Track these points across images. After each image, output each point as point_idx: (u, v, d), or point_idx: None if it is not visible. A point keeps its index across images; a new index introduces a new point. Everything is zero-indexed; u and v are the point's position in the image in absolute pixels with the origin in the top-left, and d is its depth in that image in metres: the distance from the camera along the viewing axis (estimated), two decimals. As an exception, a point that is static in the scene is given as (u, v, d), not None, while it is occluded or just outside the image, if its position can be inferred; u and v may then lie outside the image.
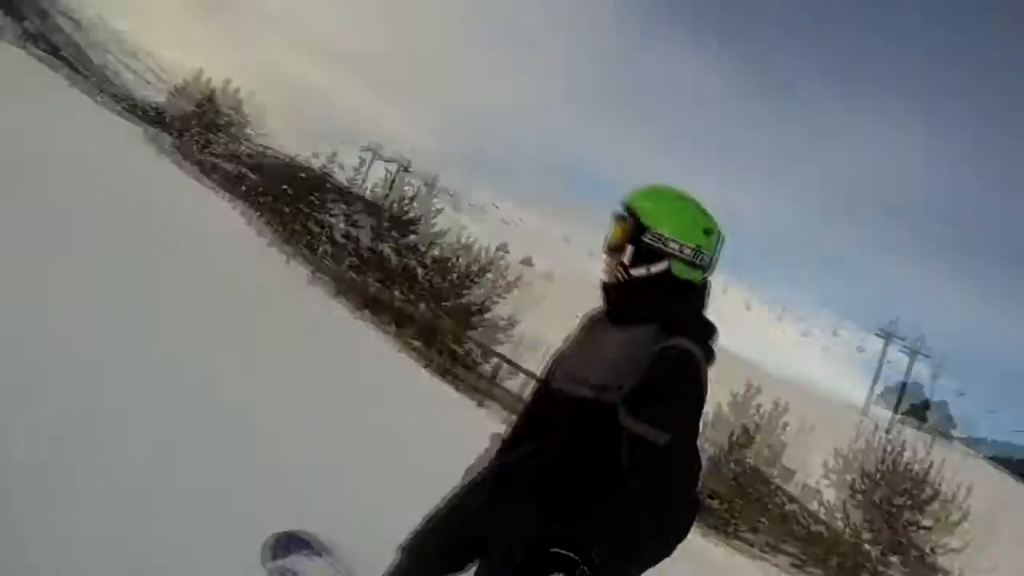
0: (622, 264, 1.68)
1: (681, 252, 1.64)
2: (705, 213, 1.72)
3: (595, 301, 1.83)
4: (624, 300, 1.72)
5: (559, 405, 1.68)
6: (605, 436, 1.51)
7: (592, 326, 1.80)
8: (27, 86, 21.22)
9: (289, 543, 2.46)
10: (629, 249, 1.68)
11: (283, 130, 43.39)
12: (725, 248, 1.75)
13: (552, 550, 1.08)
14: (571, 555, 1.06)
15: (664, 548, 1.36)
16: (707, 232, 1.69)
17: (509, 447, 1.76)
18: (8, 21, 36.59)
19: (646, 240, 1.65)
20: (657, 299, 1.66)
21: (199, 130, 30.77)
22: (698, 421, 1.49)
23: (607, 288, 1.74)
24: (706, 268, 1.71)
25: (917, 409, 56.14)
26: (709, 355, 1.61)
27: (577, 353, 1.77)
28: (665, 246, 1.64)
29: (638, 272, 1.66)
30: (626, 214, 1.71)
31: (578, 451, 1.58)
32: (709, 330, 1.68)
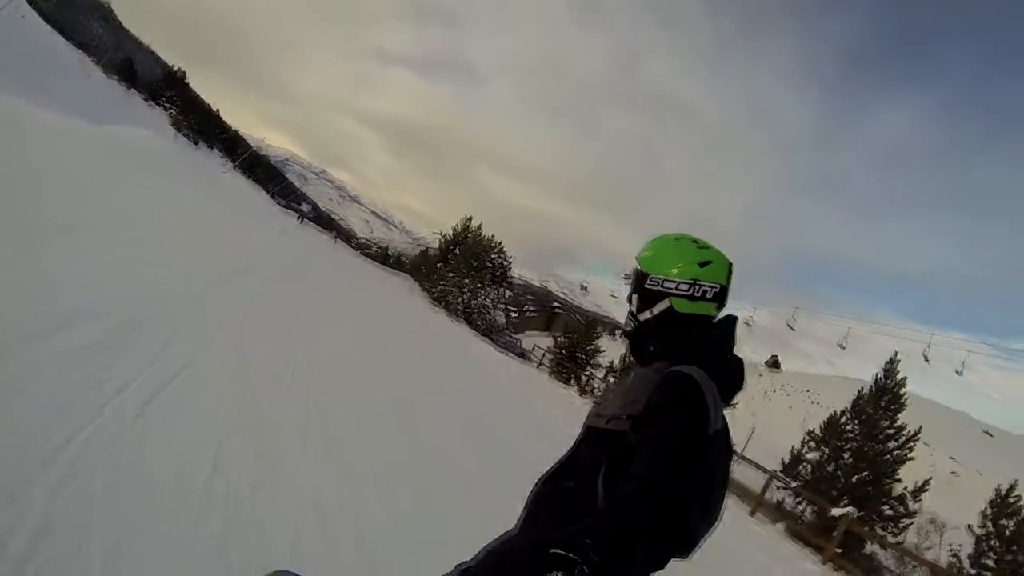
0: (631, 313, 1.94)
1: (678, 289, 1.82)
2: (703, 248, 1.88)
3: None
4: (636, 343, 1.93)
5: (584, 437, 1.82)
6: (616, 460, 1.60)
7: (628, 370, 2.25)
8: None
9: None
10: (635, 298, 1.91)
11: (522, 259, 46.40)
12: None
13: (551, 551, 1.10)
14: (570, 555, 1.09)
15: (657, 554, 1.43)
16: (703, 265, 1.83)
17: (545, 479, 1.85)
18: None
19: (647, 286, 1.87)
20: (663, 336, 1.84)
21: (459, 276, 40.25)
22: (689, 439, 1.49)
23: (625, 336, 1.99)
24: (713, 300, 1.84)
25: None
26: (728, 384, 1.71)
27: (607, 393, 2.00)
28: (662, 287, 1.84)
29: (644, 316, 1.89)
30: (635, 268, 1.95)
31: (596, 475, 1.64)
32: (724, 359, 1.78)
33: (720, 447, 1.65)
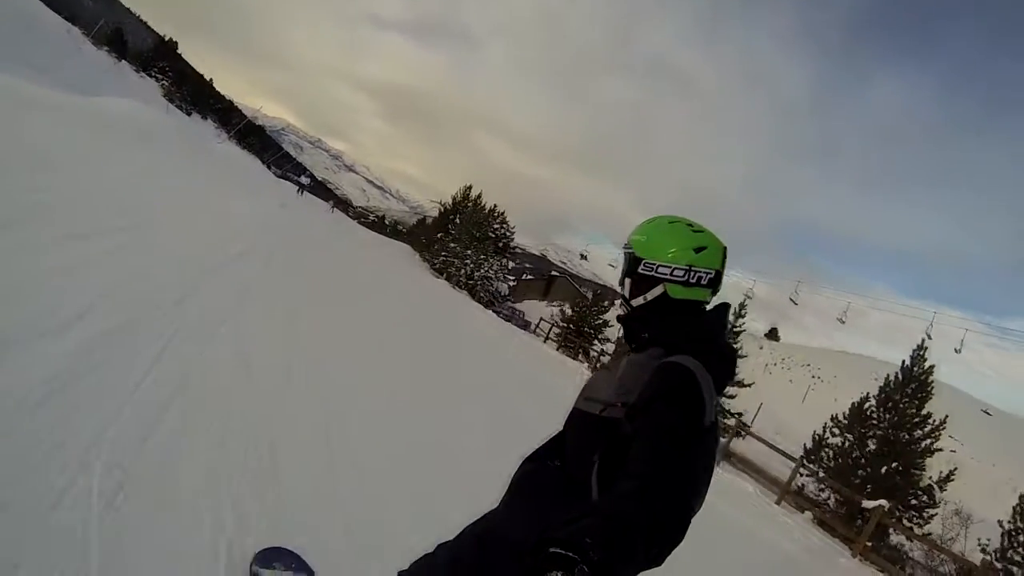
0: (624, 297, 1.93)
1: (672, 275, 1.82)
2: (698, 232, 1.85)
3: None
4: (630, 328, 1.92)
5: (572, 421, 1.84)
6: (611, 449, 1.62)
7: (620, 355, 1.93)
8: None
9: (278, 556, 2.68)
10: (627, 282, 1.91)
11: (520, 226, 47.12)
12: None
13: (551, 550, 1.07)
14: (570, 554, 1.05)
15: (657, 551, 1.36)
16: (698, 250, 1.81)
17: (530, 458, 1.92)
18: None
19: (640, 271, 1.86)
20: (656, 323, 1.83)
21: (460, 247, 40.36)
22: (686, 432, 1.47)
23: (619, 320, 1.98)
24: (708, 285, 1.84)
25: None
26: (721, 373, 1.69)
27: (597, 377, 1.94)
28: (656, 272, 1.83)
29: (637, 301, 1.88)
30: (627, 251, 1.93)
31: (586, 461, 1.67)
32: (718, 347, 1.76)
33: (712, 439, 1.63)
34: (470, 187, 53.07)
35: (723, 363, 1.73)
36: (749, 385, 28.12)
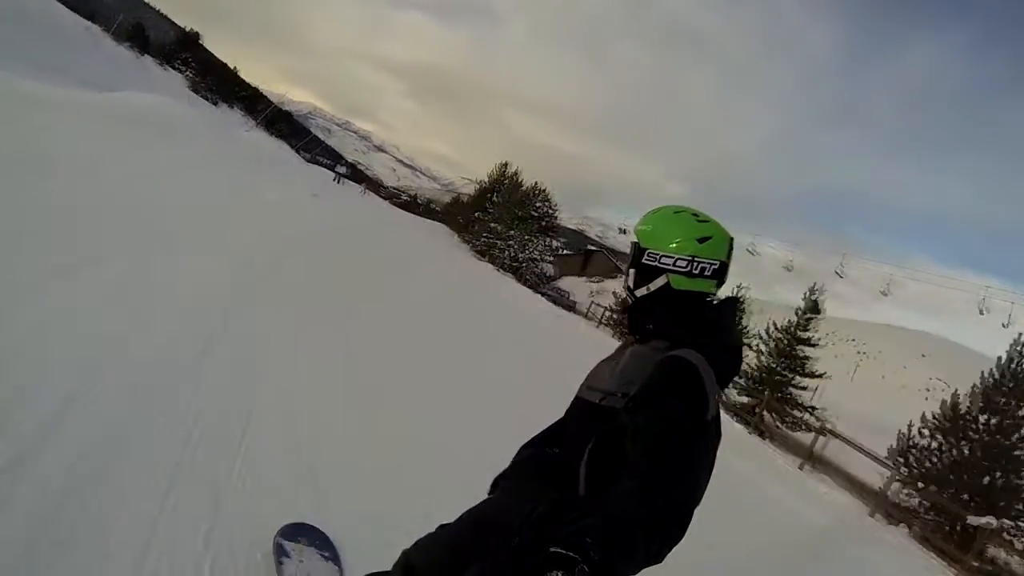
0: (628, 287, 1.94)
1: (675, 265, 1.80)
2: (703, 223, 1.83)
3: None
4: (633, 318, 1.92)
5: (574, 409, 1.88)
6: (610, 438, 1.61)
7: (624, 344, 1.97)
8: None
9: (303, 531, 2.72)
10: (632, 272, 1.91)
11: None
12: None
13: (551, 549, 1.09)
14: (570, 554, 1.07)
15: (657, 548, 1.34)
16: (702, 240, 1.80)
17: (530, 444, 2.00)
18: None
19: (644, 261, 1.86)
20: (660, 314, 1.82)
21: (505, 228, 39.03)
22: (688, 427, 1.46)
23: (623, 311, 1.54)
24: (712, 277, 1.81)
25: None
26: (725, 367, 1.69)
27: (601, 367, 1.92)
28: (659, 262, 1.82)
29: (641, 292, 1.88)
30: (633, 241, 1.94)
31: (579, 449, 1.69)
32: (723, 343, 1.73)
33: (713, 433, 1.60)
34: (506, 164, 51.23)
35: (727, 357, 1.72)
36: (821, 375, 25.93)
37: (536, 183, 42.27)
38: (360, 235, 19.46)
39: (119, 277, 5.23)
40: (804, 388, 25.26)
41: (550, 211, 41.00)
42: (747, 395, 24.83)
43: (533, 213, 39.48)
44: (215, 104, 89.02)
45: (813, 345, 25.65)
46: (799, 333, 25.55)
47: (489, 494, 1.98)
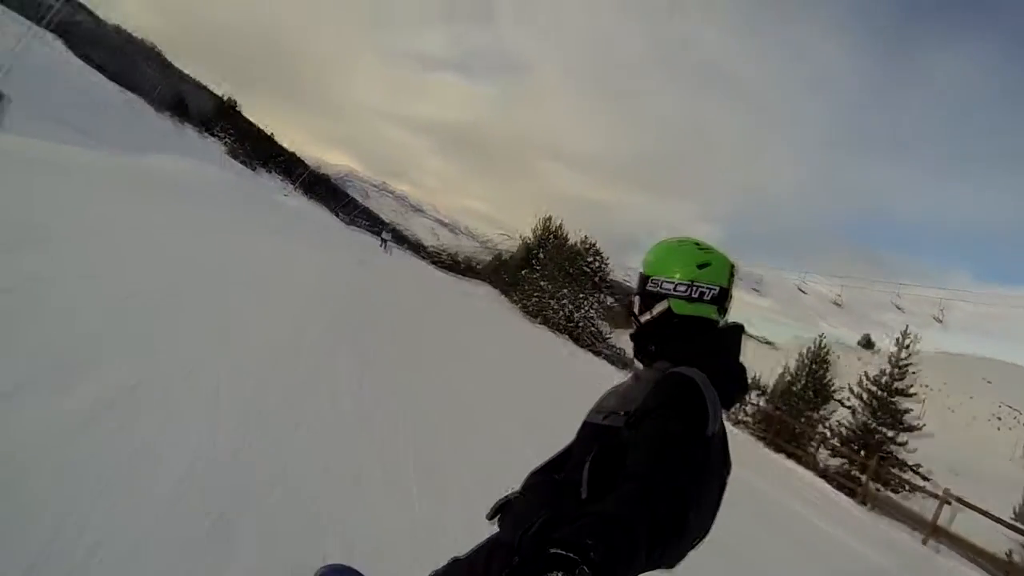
0: (633, 315, 1.98)
1: (675, 290, 1.85)
2: (703, 251, 1.89)
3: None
4: (638, 344, 1.96)
5: (579, 433, 1.86)
6: (611, 452, 1.59)
7: (634, 371, 1.98)
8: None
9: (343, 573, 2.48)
10: (636, 299, 1.96)
11: None
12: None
13: (551, 550, 1.09)
14: (570, 555, 1.07)
15: (659, 553, 1.34)
16: (701, 267, 1.84)
17: (536, 472, 1.97)
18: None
19: (647, 288, 1.91)
20: (663, 337, 1.86)
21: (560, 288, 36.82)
22: (687, 436, 1.46)
23: (630, 338, 2.02)
24: (712, 302, 1.84)
25: None
26: (728, 390, 1.68)
27: (608, 392, 1.92)
28: (661, 288, 1.87)
29: (645, 317, 1.91)
30: (639, 271, 2.01)
31: (581, 465, 1.65)
32: (726, 364, 1.75)
33: (716, 452, 1.62)
34: (549, 218, 49.65)
35: (729, 379, 1.72)
36: (920, 427, 23.13)
37: (585, 237, 40.01)
38: (413, 302, 17.47)
39: (107, 406, 3.27)
40: (904, 444, 22.69)
41: (602, 266, 38.51)
42: (843, 457, 22.36)
43: (585, 269, 37.12)
44: (253, 169, 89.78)
45: (911, 395, 23.04)
46: (896, 384, 22.86)
47: (488, 517, 1.96)
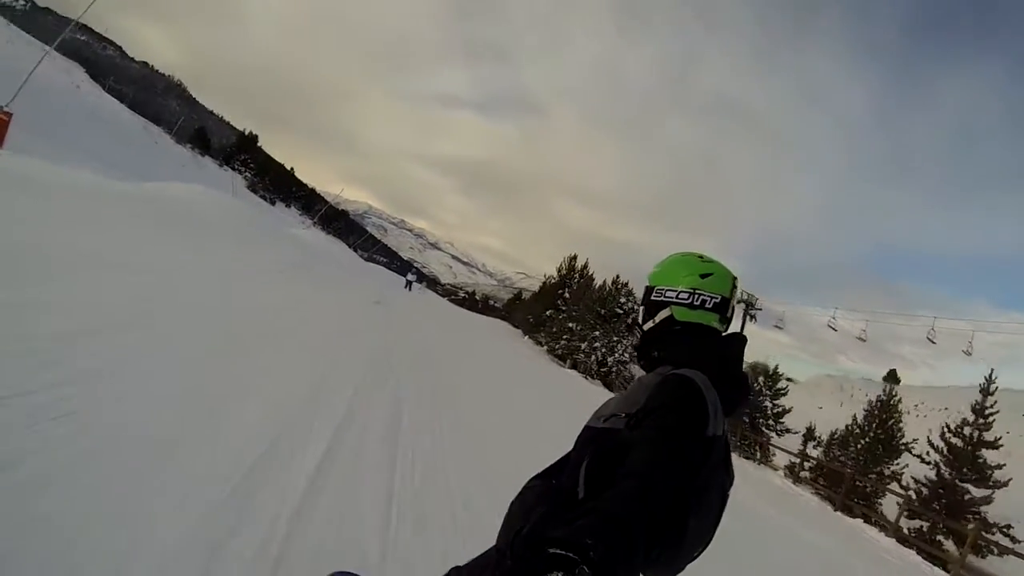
0: (638, 324, 1.98)
1: (678, 298, 1.84)
2: (707, 262, 1.89)
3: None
4: (641, 351, 1.93)
5: (579, 437, 1.77)
6: (610, 452, 1.55)
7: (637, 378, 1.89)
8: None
9: None
10: (641, 310, 1.97)
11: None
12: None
13: (551, 550, 1.06)
14: (570, 555, 1.04)
15: (656, 553, 1.37)
16: (703, 276, 1.85)
17: (534, 477, 1.88)
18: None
19: (652, 298, 1.90)
20: (665, 342, 1.84)
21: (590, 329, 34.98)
22: (686, 435, 1.44)
23: (634, 349, 2.01)
24: (714, 310, 1.83)
25: None
26: (730, 395, 1.66)
27: (610, 399, 1.87)
28: (664, 296, 1.86)
29: (648, 325, 1.90)
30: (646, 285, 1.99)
31: (579, 467, 1.62)
32: (727, 369, 1.72)
33: (718, 455, 1.57)
34: (575, 256, 48.78)
35: (731, 384, 1.70)
36: (1007, 483, 20.68)
37: (617, 276, 37.81)
38: (435, 348, 15.21)
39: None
40: (990, 502, 20.19)
41: (635, 306, 36.13)
42: (922, 518, 19.78)
43: (618, 311, 34.85)
44: (272, 203, 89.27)
45: (998, 447, 20.60)
46: (982, 434, 20.45)
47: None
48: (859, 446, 24.45)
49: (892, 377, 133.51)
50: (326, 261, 26.81)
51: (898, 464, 23.94)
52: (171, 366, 4.82)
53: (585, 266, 47.13)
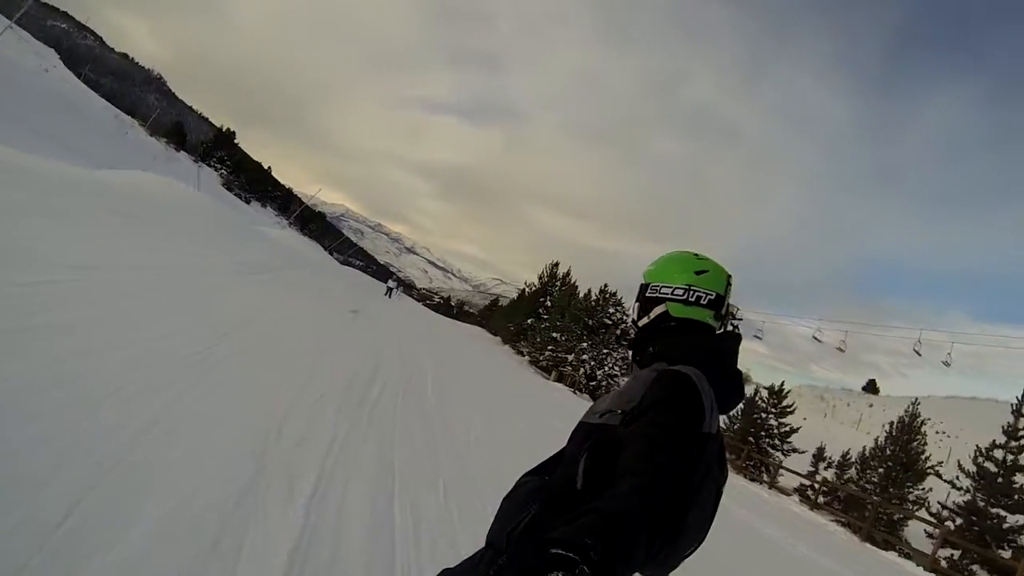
0: (633, 320, 1.96)
1: (673, 294, 1.82)
2: (701, 260, 1.87)
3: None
4: (636, 347, 1.89)
5: (574, 434, 1.74)
6: (606, 449, 1.53)
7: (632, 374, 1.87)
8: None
9: None
10: (636, 307, 1.94)
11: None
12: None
13: (551, 550, 1.03)
14: (570, 555, 1.01)
15: (656, 551, 1.29)
16: (699, 273, 1.82)
17: (528, 474, 1.85)
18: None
19: (647, 295, 1.89)
20: (660, 339, 1.80)
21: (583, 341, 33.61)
22: (683, 432, 1.41)
23: (629, 347, 2.00)
24: (708, 307, 1.80)
25: None
26: (725, 392, 1.64)
27: (605, 396, 1.83)
28: (659, 293, 1.85)
29: (643, 321, 1.88)
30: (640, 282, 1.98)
31: (576, 464, 1.59)
32: (722, 366, 1.69)
33: (712, 452, 1.55)
34: (556, 263, 47.81)
35: (726, 381, 1.67)
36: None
37: (605, 286, 36.17)
38: (418, 362, 13.43)
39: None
40: None
41: (624, 317, 34.23)
42: (955, 547, 18.44)
43: (607, 321, 33.27)
44: (248, 202, 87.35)
45: None
46: (1017, 458, 19.18)
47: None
48: (881, 469, 23.17)
49: (871, 387, 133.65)
50: (298, 264, 24.55)
51: (921, 488, 22.76)
52: None
53: (567, 273, 46.15)
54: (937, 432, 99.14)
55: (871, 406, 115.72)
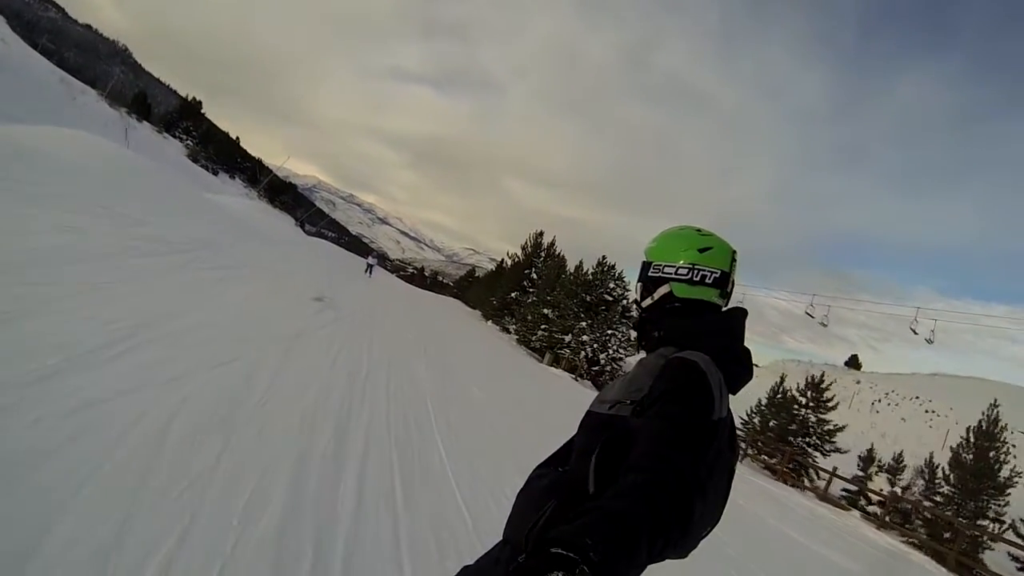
0: (636, 302, 1.93)
1: (677, 274, 1.79)
2: (704, 236, 1.83)
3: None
4: (641, 329, 1.88)
5: (583, 424, 1.72)
6: (612, 443, 1.53)
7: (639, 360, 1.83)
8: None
9: None
10: (639, 286, 1.91)
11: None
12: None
13: (552, 550, 1.03)
14: (571, 555, 1.02)
15: (659, 548, 1.25)
16: (702, 250, 1.79)
17: (539, 466, 1.83)
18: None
19: (650, 274, 1.85)
20: (666, 321, 1.78)
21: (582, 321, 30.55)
22: (693, 425, 1.38)
23: (633, 327, 2.10)
24: (714, 285, 1.77)
25: None
26: (734, 373, 1.60)
27: (613, 383, 1.80)
28: (663, 272, 1.82)
29: (647, 302, 1.86)
30: (643, 259, 1.93)
31: (588, 458, 1.57)
32: (730, 346, 1.67)
33: (723, 437, 1.52)
34: (540, 233, 45.88)
35: (735, 361, 1.64)
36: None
37: (603, 258, 32.51)
38: (396, 353, 10.68)
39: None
40: None
41: (624, 293, 31.10)
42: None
43: (607, 298, 30.14)
44: (215, 174, 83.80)
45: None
46: None
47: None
48: (953, 480, 20.56)
49: (854, 363, 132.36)
50: (254, 238, 20.72)
51: (999, 503, 20.29)
52: None
53: (552, 244, 43.74)
54: (927, 412, 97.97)
55: (858, 383, 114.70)
